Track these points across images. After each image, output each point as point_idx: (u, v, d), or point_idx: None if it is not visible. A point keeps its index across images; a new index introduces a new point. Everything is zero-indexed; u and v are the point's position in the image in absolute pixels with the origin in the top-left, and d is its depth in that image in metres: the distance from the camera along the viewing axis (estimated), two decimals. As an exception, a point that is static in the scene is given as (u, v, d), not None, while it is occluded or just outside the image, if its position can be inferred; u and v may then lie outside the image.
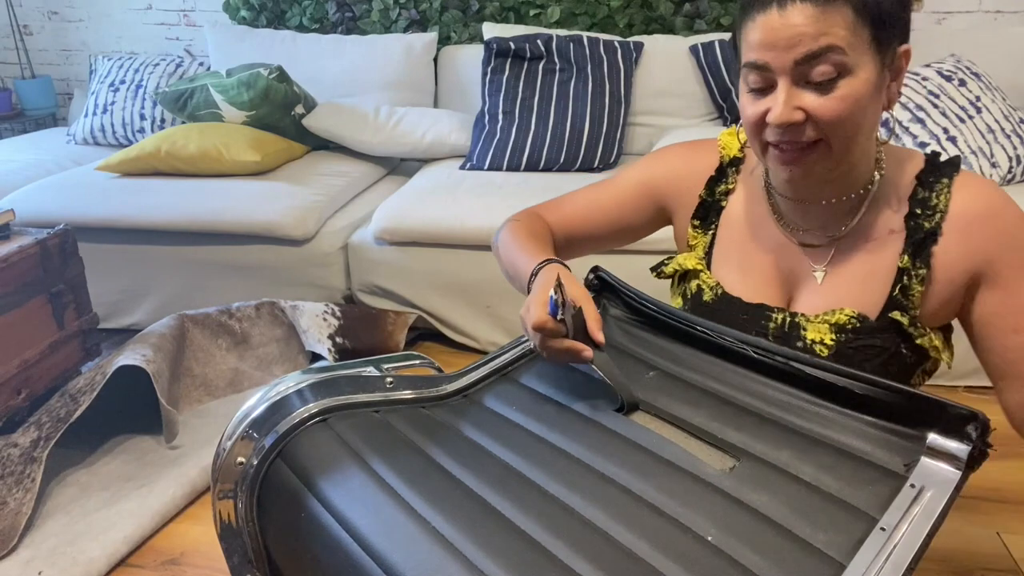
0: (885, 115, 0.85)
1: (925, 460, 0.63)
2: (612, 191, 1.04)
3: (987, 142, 2.02)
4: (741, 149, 0.98)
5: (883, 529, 0.58)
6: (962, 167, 0.85)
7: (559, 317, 0.77)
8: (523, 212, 1.05)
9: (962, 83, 2.12)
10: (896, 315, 0.84)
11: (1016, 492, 1.51)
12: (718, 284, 0.94)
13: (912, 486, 0.61)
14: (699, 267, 0.97)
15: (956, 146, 1.99)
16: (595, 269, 0.97)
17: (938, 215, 0.82)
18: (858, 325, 0.84)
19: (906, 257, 0.83)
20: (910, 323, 0.83)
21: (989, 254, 0.80)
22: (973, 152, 2.00)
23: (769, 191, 0.93)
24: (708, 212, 0.98)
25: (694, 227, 0.99)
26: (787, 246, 0.91)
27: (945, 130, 2.01)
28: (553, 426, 0.76)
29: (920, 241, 0.83)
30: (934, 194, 0.83)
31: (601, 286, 0.97)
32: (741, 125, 0.86)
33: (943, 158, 0.86)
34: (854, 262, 0.87)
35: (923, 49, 2.41)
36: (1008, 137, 2.05)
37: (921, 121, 2.02)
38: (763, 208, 0.94)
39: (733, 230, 0.96)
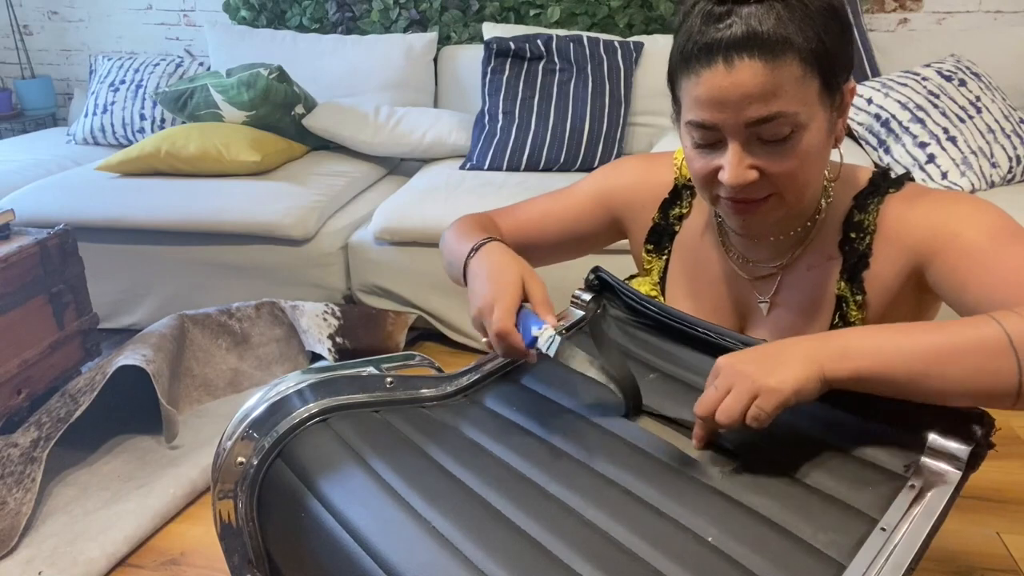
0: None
1: (925, 460, 0.63)
2: (568, 201, 1.02)
3: (987, 142, 2.02)
4: None
5: (883, 529, 0.58)
6: (910, 182, 0.82)
7: (536, 348, 0.73)
8: (473, 214, 1.01)
9: (962, 83, 2.12)
10: None
11: (1016, 492, 1.51)
12: None
13: (912, 486, 0.61)
14: (653, 293, 0.97)
15: (956, 146, 1.99)
16: (595, 269, 0.97)
17: (868, 236, 0.80)
18: None
19: (843, 284, 0.82)
20: None
21: (916, 244, 0.77)
22: (973, 152, 2.00)
23: (719, 223, 0.91)
24: (661, 236, 0.97)
25: (648, 251, 0.98)
26: (735, 276, 0.90)
27: (945, 130, 2.01)
28: (553, 427, 0.76)
29: (853, 266, 0.81)
30: (866, 215, 0.81)
31: (601, 286, 0.97)
32: None
33: (893, 175, 0.83)
34: (797, 293, 0.86)
35: (923, 49, 2.41)
36: (1008, 137, 2.05)
37: (921, 121, 2.02)
38: (713, 236, 0.92)
39: (686, 257, 0.95)
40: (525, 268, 0.80)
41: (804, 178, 0.75)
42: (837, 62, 0.72)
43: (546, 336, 0.72)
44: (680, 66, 0.74)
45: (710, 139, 0.75)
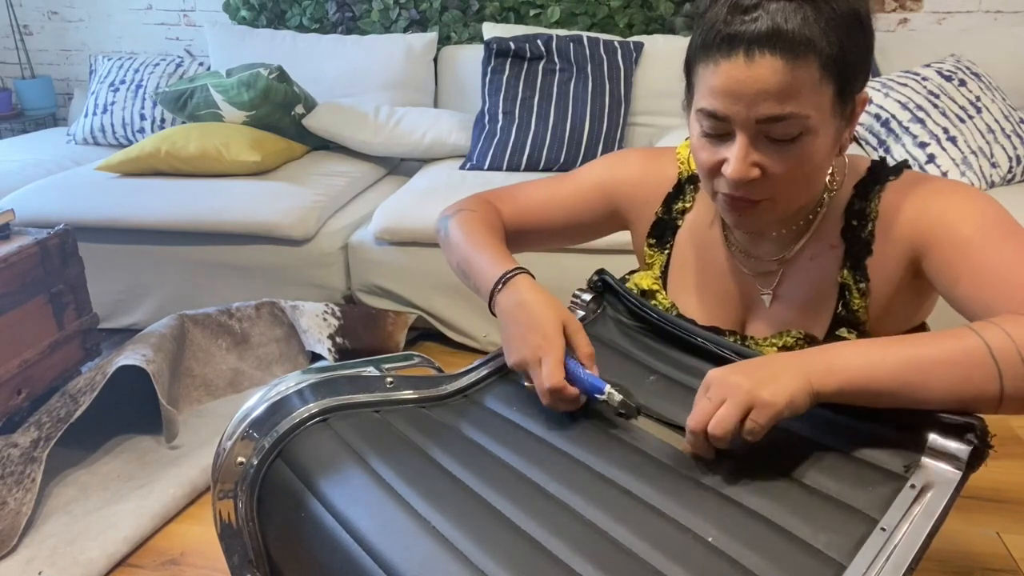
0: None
1: (925, 461, 0.63)
2: (571, 188, 1.01)
3: (987, 142, 2.02)
4: None
5: (883, 529, 0.58)
6: (907, 170, 0.82)
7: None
8: (474, 199, 0.99)
9: (962, 83, 2.12)
10: (843, 332, 0.82)
11: (1016, 492, 1.51)
12: (673, 305, 0.94)
13: (912, 487, 0.61)
14: (655, 287, 0.96)
15: (956, 146, 1.99)
16: (600, 272, 0.96)
17: (870, 223, 0.81)
18: (805, 346, 0.82)
19: (845, 271, 0.82)
20: (859, 338, 0.82)
21: (913, 233, 0.77)
22: (973, 152, 2.00)
23: (722, 217, 0.91)
24: (664, 231, 0.97)
25: (650, 245, 0.98)
26: (738, 269, 0.91)
27: (945, 130, 2.01)
28: (553, 427, 0.76)
29: (856, 253, 0.81)
30: (868, 203, 0.81)
31: (604, 288, 0.97)
32: None
33: (890, 163, 0.84)
34: (800, 283, 0.86)
35: (923, 49, 2.41)
36: (1008, 137, 2.05)
37: (921, 121, 2.02)
38: (716, 230, 0.93)
39: (688, 251, 0.95)
40: (564, 314, 0.80)
41: (802, 184, 0.75)
42: (855, 71, 0.72)
43: (616, 399, 0.73)
44: (700, 52, 0.74)
45: (719, 131, 0.75)
